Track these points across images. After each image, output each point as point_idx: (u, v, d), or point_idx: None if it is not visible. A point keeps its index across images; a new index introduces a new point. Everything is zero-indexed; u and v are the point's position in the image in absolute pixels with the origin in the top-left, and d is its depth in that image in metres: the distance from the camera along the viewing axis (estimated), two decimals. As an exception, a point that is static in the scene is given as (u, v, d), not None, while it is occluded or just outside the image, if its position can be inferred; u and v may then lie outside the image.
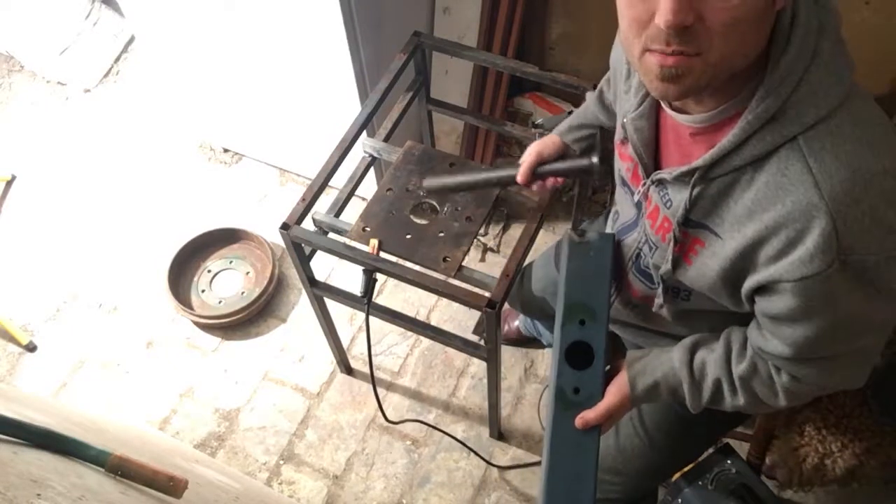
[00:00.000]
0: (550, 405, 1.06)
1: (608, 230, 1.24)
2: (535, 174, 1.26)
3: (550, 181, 1.27)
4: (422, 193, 1.50)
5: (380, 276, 1.53)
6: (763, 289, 0.89)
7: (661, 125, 0.99)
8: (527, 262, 1.59)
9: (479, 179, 1.34)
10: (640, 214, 1.06)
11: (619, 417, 1.11)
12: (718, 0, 0.74)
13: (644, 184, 1.00)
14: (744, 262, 0.88)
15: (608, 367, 1.10)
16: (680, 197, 0.92)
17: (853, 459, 1.44)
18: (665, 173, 0.94)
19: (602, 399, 1.06)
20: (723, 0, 0.74)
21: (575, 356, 1.07)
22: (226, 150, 2.56)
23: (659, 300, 1.07)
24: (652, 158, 1.00)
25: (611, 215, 1.25)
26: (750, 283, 0.90)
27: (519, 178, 1.26)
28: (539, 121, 1.60)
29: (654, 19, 0.76)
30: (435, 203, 1.51)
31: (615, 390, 1.07)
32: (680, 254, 0.97)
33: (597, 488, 1.03)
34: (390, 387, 2.09)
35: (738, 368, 0.99)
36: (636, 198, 1.04)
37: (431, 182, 1.39)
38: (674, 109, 0.92)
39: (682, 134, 0.93)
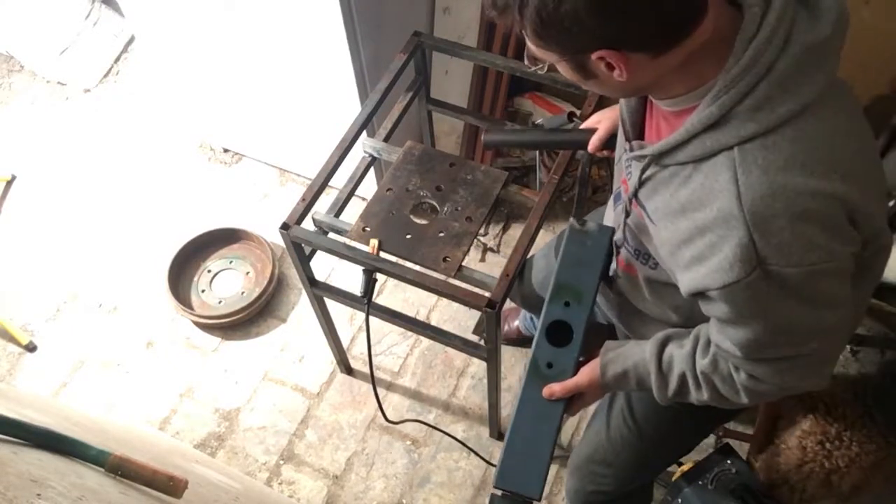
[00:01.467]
0: (524, 374, 1.12)
1: (608, 213, 1.25)
2: (608, 144, 1.32)
3: None
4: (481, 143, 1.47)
5: (380, 276, 1.53)
6: (698, 294, 0.92)
7: (649, 98, 1.02)
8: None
9: (545, 140, 1.38)
10: None
11: (588, 401, 1.15)
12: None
13: (624, 149, 1.04)
14: (672, 256, 0.92)
15: (582, 358, 1.14)
16: (636, 174, 0.96)
17: (860, 474, 1.43)
18: (628, 146, 0.99)
19: (573, 377, 1.11)
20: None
21: (556, 334, 1.13)
22: (226, 150, 2.56)
23: (613, 263, 1.12)
24: (637, 128, 1.03)
25: (614, 176, 1.26)
26: (685, 286, 0.93)
27: (591, 147, 1.32)
28: (539, 121, 1.60)
29: None
30: (435, 203, 1.51)
31: (587, 372, 1.11)
32: (641, 220, 1.00)
33: (551, 458, 1.08)
34: (390, 387, 2.09)
35: (701, 363, 1.02)
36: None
37: (492, 136, 1.41)
38: None
39: (659, 111, 0.97)
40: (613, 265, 1.16)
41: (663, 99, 0.91)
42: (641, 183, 0.95)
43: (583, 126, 1.36)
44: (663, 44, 0.80)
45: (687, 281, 0.92)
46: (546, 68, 0.90)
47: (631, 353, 1.10)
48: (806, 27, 0.81)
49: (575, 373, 1.11)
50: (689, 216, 0.87)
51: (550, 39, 0.82)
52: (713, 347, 1.00)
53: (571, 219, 1.20)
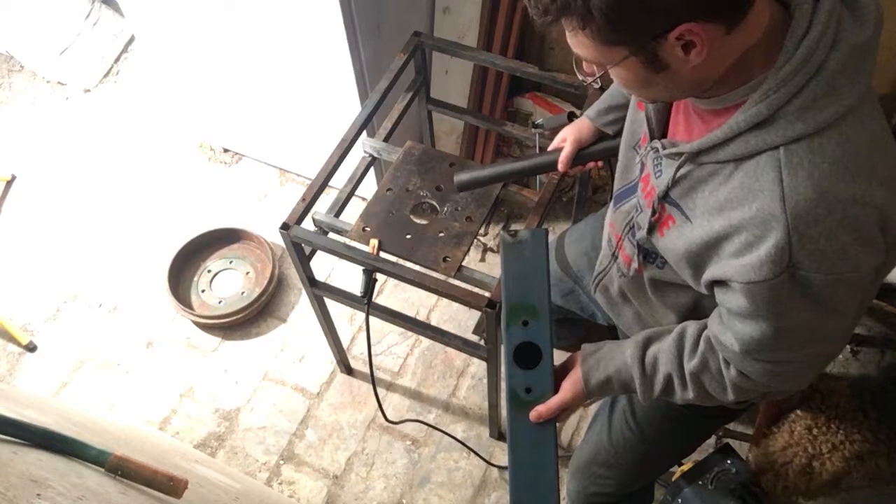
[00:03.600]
0: (506, 406, 1.10)
1: (609, 214, 1.25)
2: (576, 159, 1.32)
3: (590, 164, 1.34)
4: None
5: (380, 276, 1.53)
6: (719, 282, 0.92)
7: None
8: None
9: (516, 169, 1.35)
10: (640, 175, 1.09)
11: (575, 409, 1.13)
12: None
13: (647, 147, 1.03)
14: (708, 251, 0.91)
15: (562, 363, 1.13)
16: (668, 172, 0.95)
17: (841, 463, 1.42)
18: (659, 144, 0.97)
19: (556, 394, 1.09)
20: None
21: (524, 356, 1.10)
22: (226, 150, 2.56)
23: (635, 263, 1.10)
24: (661, 125, 1.02)
25: (616, 175, 1.25)
26: (708, 275, 0.92)
27: (560, 166, 1.32)
28: (539, 121, 1.60)
29: None
30: (435, 203, 1.51)
31: (569, 385, 1.09)
32: (657, 222, 1.00)
33: (558, 477, 1.07)
34: (390, 387, 2.09)
35: (690, 364, 1.01)
36: (638, 158, 1.07)
37: (462, 177, 1.38)
38: None
39: (691, 109, 0.96)
40: (634, 265, 1.12)
41: (709, 97, 0.89)
42: (675, 181, 0.93)
43: (551, 147, 1.37)
44: (740, 8, 0.78)
45: (711, 271, 0.91)
46: (599, 81, 0.87)
47: (611, 359, 1.09)
48: (851, 27, 0.81)
49: (556, 388, 1.09)
50: (727, 213, 0.86)
51: (625, 26, 0.78)
52: (702, 346, 1.00)
53: (501, 232, 1.15)
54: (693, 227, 0.92)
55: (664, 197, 0.96)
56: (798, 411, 1.47)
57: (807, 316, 0.88)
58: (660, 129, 1.02)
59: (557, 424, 1.11)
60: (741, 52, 0.81)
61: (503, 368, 1.11)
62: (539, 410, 1.07)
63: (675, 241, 0.96)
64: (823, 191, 0.80)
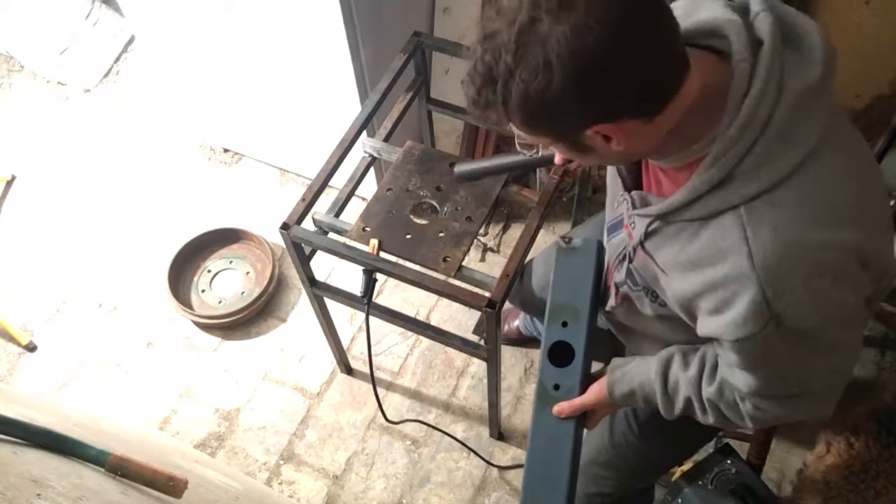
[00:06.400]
0: (533, 399, 1.14)
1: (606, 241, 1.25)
2: None
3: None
4: (447, 182, 1.47)
5: (380, 276, 1.53)
6: (712, 339, 0.92)
7: None
8: (527, 260, 1.60)
9: (515, 162, 1.34)
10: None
11: (601, 416, 1.15)
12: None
13: (622, 195, 1.04)
14: (689, 304, 0.92)
15: (598, 371, 1.15)
16: (640, 226, 0.96)
17: None
18: (631, 200, 0.99)
19: (580, 395, 1.11)
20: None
21: (558, 355, 1.14)
22: (226, 150, 2.56)
23: (623, 290, 1.11)
24: (634, 176, 1.03)
25: (606, 205, 1.26)
26: (697, 329, 0.93)
27: (557, 159, 1.30)
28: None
29: None
30: (435, 203, 1.51)
31: (595, 390, 1.12)
32: (650, 265, 0.99)
33: (574, 474, 1.08)
34: (390, 387, 2.09)
35: (707, 391, 1.01)
36: (617, 206, 1.09)
37: (463, 167, 1.38)
38: None
39: (656, 164, 0.96)
40: (611, 302, 1.14)
41: (661, 159, 0.90)
42: (647, 235, 0.94)
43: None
44: (654, 106, 0.78)
45: (700, 327, 0.92)
46: (540, 151, 0.88)
47: (637, 373, 1.10)
48: (796, 72, 0.79)
49: (583, 388, 1.12)
50: (699, 271, 0.86)
51: (541, 126, 0.81)
52: (719, 376, 1.00)
53: (557, 239, 1.20)
54: (670, 279, 0.93)
55: (640, 246, 0.97)
56: (828, 461, 1.45)
57: (805, 356, 0.87)
58: (632, 179, 1.03)
59: (585, 431, 1.14)
60: (674, 125, 0.81)
61: (538, 364, 1.16)
62: (561, 406, 1.11)
63: (661, 283, 0.97)
64: (789, 243, 0.79)
